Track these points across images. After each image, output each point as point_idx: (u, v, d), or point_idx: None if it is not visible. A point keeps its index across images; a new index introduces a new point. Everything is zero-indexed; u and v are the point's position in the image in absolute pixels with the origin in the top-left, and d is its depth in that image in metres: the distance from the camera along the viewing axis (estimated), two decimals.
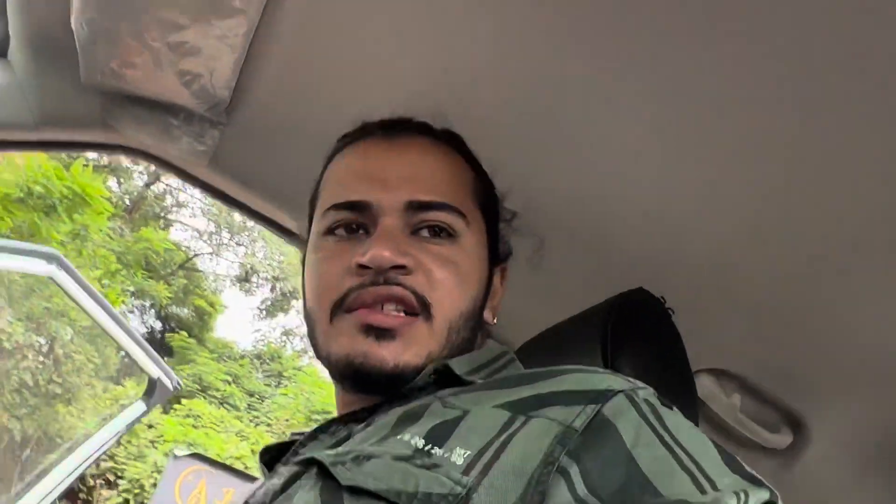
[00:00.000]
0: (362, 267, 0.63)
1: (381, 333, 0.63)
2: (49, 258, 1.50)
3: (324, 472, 0.54)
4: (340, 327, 0.65)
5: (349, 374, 0.64)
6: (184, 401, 10.22)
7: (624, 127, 0.87)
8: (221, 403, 11.14)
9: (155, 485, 8.47)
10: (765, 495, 0.46)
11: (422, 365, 0.63)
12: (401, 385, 0.63)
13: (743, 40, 0.72)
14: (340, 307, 0.65)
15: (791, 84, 0.75)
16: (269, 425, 11.59)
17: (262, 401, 11.85)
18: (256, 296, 15.38)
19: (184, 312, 13.21)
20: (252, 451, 9.94)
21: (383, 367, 0.62)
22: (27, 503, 1.77)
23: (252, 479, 8.16)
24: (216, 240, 15.00)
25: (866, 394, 1.17)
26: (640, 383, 0.58)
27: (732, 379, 1.24)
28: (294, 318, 15.25)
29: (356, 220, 0.68)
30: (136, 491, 8.88)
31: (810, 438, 1.26)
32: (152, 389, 1.95)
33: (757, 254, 0.99)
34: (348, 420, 0.64)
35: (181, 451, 7.98)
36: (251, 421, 11.37)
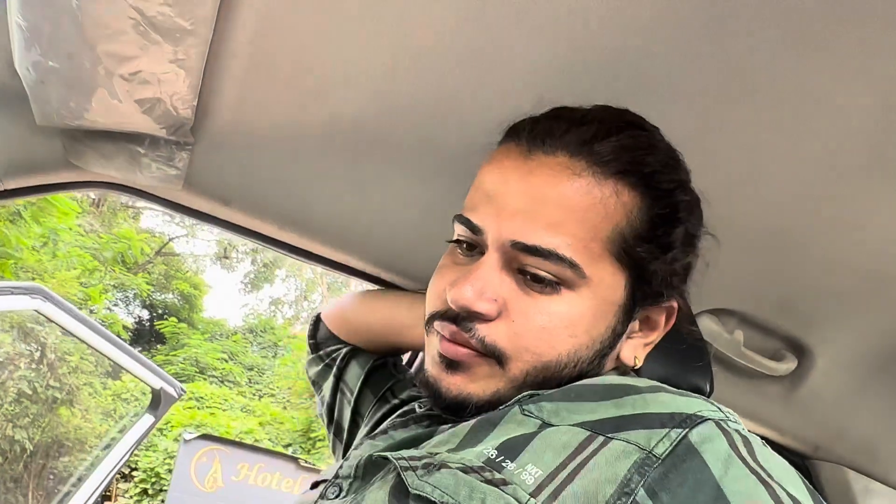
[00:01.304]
0: None
1: (451, 364, 0.64)
2: (31, 292, 1.46)
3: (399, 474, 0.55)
4: (430, 342, 0.68)
5: (424, 389, 0.67)
6: (185, 385, 10.24)
7: (598, 85, 0.85)
8: (222, 382, 11.20)
9: (170, 471, 8.56)
10: None
11: (486, 398, 0.63)
12: (465, 411, 0.64)
13: None
14: (431, 325, 0.67)
15: (759, 26, 0.74)
16: (272, 395, 11.68)
17: (262, 373, 11.92)
18: (238, 271, 15.30)
19: (169, 298, 13.13)
20: (259, 423, 10.04)
21: (446, 394, 0.64)
22: None
23: (265, 451, 8.27)
24: (189, 221, 14.77)
25: (864, 311, 1.19)
26: (732, 414, 0.55)
27: (733, 315, 1.26)
28: (280, 287, 15.24)
29: (472, 239, 0.66)
30: (153, 480, 8.99)
31: (814, 361, 1.29)
32: (157, 401, 1.94)
33: (747, 192, 0.99)
34: (441, 419, 0.68)
35: (190, 434, 8.05)
36: (254, 394, 11.46)
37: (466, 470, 0.51)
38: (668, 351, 0.83)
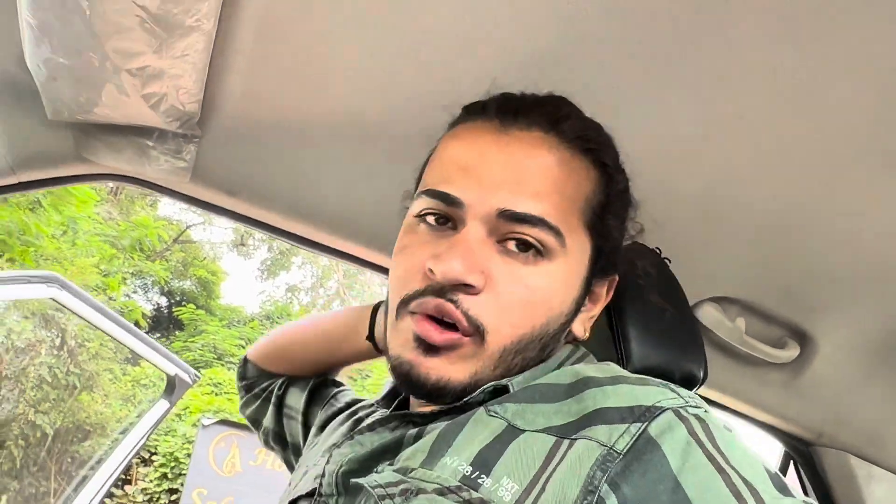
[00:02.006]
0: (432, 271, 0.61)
1: (428, 348, 0.62)
2: (48, 280, 1.50)
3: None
4: (401, 328, 0.64)
5: (398, 378, 0.65)
6: (202, 371, 10.35)
7: (616, 66, 0.86)
8: None
9: (189, 455, 8.66)
10: None
11: (466, 381, 0.62)
12: (445, 396, 0.63)
13: None
14: (406, 306, 0.64)
15: (757, 18, 0.74)
16: None
17: None
18: (255, 258, 15.40)
19: (187, 285, 13.24)
20: None
21: (426, 380, 0.62)
22: None
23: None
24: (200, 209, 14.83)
25: (866, 298, 1.20)
26: (692, 398, 0.54)
27: (735, 303, 1.27)
28: (296, 274, 15.31)
29: (446, 212, 0.64)
30: (172, 464, 9.10)
31: (817, 348, 1.30)
32: (172, 387, 1.98)
33: (748, 180, 0.99)
34: (406, 420, 0.66)
35: (208, 419, 8.13)
36: None
37: (443, 492, 0.51)
38: (660, 337, 0.84)
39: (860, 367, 1.32)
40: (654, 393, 0.54)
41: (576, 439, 0.51)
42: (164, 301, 13.37)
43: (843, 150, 0.91)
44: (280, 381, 1.08)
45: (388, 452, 0.63)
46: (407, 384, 0.63)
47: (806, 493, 1.51)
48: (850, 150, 0.91)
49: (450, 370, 0.62)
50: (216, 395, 10.04)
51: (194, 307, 12.19)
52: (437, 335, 0.61)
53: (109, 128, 0.96)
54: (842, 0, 0.71)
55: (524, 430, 0.54)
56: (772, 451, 1.56)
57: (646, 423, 0.50)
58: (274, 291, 15.79)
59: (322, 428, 0.93)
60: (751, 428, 1.47)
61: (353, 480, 0.59)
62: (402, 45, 0.86)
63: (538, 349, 0.65)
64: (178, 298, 13.14)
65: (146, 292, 13.16)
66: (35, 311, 7.84)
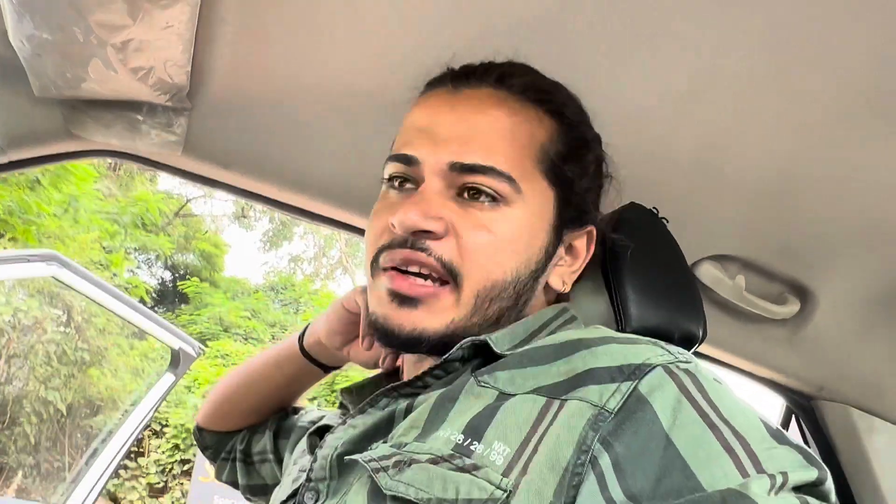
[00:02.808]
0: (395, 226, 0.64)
1: (404, 300, 0.64)
2: (48, 259, 1.50)
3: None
4: (376, 285, 0.67)
5: (376, 332, 0.67)
6: (210, 343, 10.44)
7: (595, 38, 0.85)
8: (246, 339, 11.38)
9: None
10: (812, 474, 0.44)
11: (443, 330, 0.64)
12: (421, 345, 0.65)
13: None
14: (377, 265, 0.67)
15: None
16: None
17: (285, 329, 12.09)
18: (256, 229, 15.42)
19: (190, 258, 13.28)
20: None
21: (400, 330, 0.64)
22: (84, 487, 1.85)
23: None
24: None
25: (865, 253, 1.20)
26: (682, 353, 0.55)
27: (734, 261, 1.27)
28: (298, 244, 15.33)
29: (407, 173, 0.68)
30: (184, 435, 9.22)
31: (817, 303, 1.30)
32: (177, 360, 2.00)
33: (744, 138, 0.99)
34: (396, 394, 0.66)
35: None
36: None
37: (437, 461, 0.51)
38: (658, 297, 0.84)
39: (860, 320, 1.33)
40: (644, 351, 0.54)
41: (566, 400, 0.51)
42: (168, 275, 13.43)
43: (841, 105, 0.90)
44: (240, 435, 1.06)
45: (381, 430, 0.63)
46: (384, 336, 0.66)
47: (808, 446, 1.52)
48: (847, 105, 0.90)
49: (425, 321, 0.64)
50: (224, 366, 10.13)
51: (198, 280, 12.25)
52: (416, 288, 0.64)
53: (98, 103, 0.95)
54: None
55: (514, 395, 0.55)
56: (773, 406, 1.57)
57: (636, 381, 0.50)
58: (277, 262, 15.87)
59: (293, 449, 0.91)
60: (752, 383, 1.48)
61: (347, 458, 0.60)
62: (391, 12, 0.85)
63: (512, 298, 0.66)
64: (181, 272, 13.20)
65: (150, 267, 13.22)
66: (41, 289, 7.88)
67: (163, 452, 9.28)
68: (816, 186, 1.06)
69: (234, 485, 1.08)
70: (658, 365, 0.52)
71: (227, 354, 10.46)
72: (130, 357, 9.26)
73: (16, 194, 7.22)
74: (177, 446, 9.28)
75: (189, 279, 12.35)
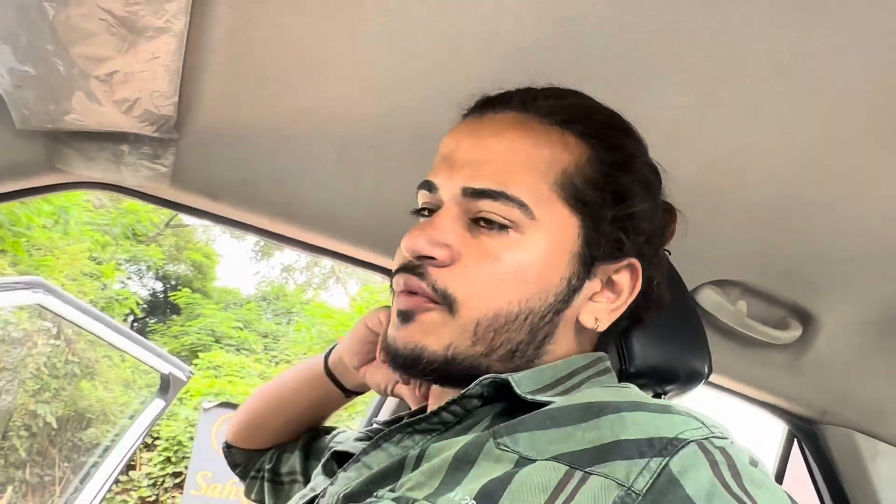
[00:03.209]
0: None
1: (405, 317, 0.63)
2: (32, 286, 1.47)
3: None
4: (393, 310, 0.67)
5: (387, 355, 0.66)
6: (201, 354, 10.37)
7: (599, 61, 0.83)
8: (238, 350, 11.31)
9: (192, 439, 8.71)
10: None
11: (441, 352, 0.62)
12: (420, 366, 0.63)
13: None
14: (392, 289, 0.67)
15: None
16: (288, 362, 11.82)
17: (277, 340, 12.03)
18: (248, 239, 15.35)
19: (181, 269, 13.21)
20: None
21: (402, 349, 0.63)
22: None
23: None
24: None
25: (867, 277, 1.19)
26: (716, 427, 0.52)
27: (735, 286, 1.25)
28: (290, 255, 15.27)
29: (430, 201, 0.67)
30: (175, 448, 9.15)
31: (819, 328, 1.28)
32: (167, 385, 1.95)
33: (746, 163, 0.98)
34: (410, 429, 0.63)
35: (209, 402, 8.15)
36: (270, 361, 11.58)
37: None
38: (662, 334, 0.82)
39: (863, 344, 1.31)
40: (677, 423, 0.51)
41: (590, 474, 0.48)
42: (159, 286, 13.35)
43: (843, 130, 0.89)
44: (269, 453, 1.03)
45: (391, 476, 0.60)
46: (389, 357, 0.65)
47: (811, 471, 1.51)
48: (849, 130, 0.89)
49: (422, 338, 0.62)
50: (216, 377, 10.06)
51: (190, 291, 12.17)
52: (410, 300, 0.63)
53: (82, 135, 0.92)
54: None
55: (534, 460, 0.52)
56: (774, 431, 1.55)
57: (667, 459, 0.47)
58: (269, 272, 15.79)
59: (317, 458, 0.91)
60: (753, 408, 1.46)
61: (360, 476, 0.59)
62: (385, 42, 0.83)
63: (526, 331, 0.63)
64: (173, 283, 13.12)
65: (141, 278, 13.13)
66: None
67: (154, 465, 9.19)
68: (818, 211, 1.04)
69: None
70: (692, 441, 0.48)
71: (218, 366, 10.39)
72: (122, 369, 9.19)
73: (5, 206, 7.17)
74: (168, 459, 9.20)
75: (180, 290, 12.27)
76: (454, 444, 0.57)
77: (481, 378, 0.60)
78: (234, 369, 10.45)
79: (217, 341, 11.19)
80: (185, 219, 13.57)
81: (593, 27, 0.78)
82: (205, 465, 7.84)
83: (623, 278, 0.67)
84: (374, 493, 0.57)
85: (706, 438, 0.49)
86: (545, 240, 0.63)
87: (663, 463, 0.46)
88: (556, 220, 0.63)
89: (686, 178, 1.01)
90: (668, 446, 0.48)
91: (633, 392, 0.59)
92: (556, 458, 0.50)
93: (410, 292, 0.63)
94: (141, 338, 1.87)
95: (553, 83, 0.71)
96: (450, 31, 0.80)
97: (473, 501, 0.49)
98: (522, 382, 0.61)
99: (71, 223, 8.25)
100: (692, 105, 0.88)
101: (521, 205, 0.61)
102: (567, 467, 0.49)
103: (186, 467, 8.65)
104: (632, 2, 0.74)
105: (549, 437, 0.53)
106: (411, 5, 0.77)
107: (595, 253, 0.65)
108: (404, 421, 0.63)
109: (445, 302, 0.61)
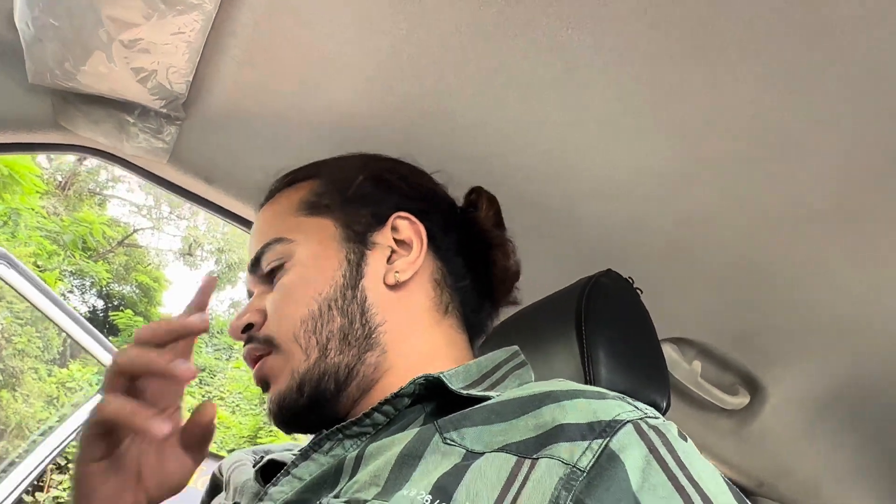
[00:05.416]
0: None
1: (260, 382, 0.70)
2: None
3: None
4: None
5: (274, 423, 0.72)
6: None
7: (588, 115, 0.89)
8: None
9: None
10: None
11: (289, 383, 0.67)
12: (287, 408, 0.68)
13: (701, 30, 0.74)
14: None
15: (745, 64, 0.77)
16: (222, 399, 11.48)
17: (214, 375, 11.72)
18: (201, 269, 15.09)
19: (127, 289, 12.88)
20: None
21: (276, 412, 0.68)
22: None
23: (210, 455, 8.07)
24: (156, 214, 14.59)
25: (817, 353, 1.23)
26: (649, 410, 0.55)
27: (693, 346, 1.29)
28: (241, 290, 15.02)
29: (251, 289, 0.77)
30: None
31: (766, 398, 1.32)
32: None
33: (718, 222, 1.02)
34: (340, 435, 0.63)
35: None
36: (203, 396, 11.24)
37: None
38: (629, 364, 0.85)
39: (805, 420, 1.36)
40: (613, 406, 0.54)
41: (538, 458, 0.51)
42: (100, 304, 12.96)
43: (811, 204, 0.94)
44: None
45: (328, 482, 0.60)
46: (277, 425, 0.70)
47: None
48: (816, 205, 0.94)
49: (278, 389, 0.68)
50: None
51: (132, 313, 11.85)
52: (255, 370, 0.70)
53: (91, 98, 0.93)
54: (826, 52, 0.74)
55: (483, 453, 0.54)
56: None
57: (607, 439, 0.50)
58: (217, 306, 15.48)
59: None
60: None
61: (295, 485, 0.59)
62: (399, 52, 0.86)
63: (338, 314, 0.69)
64: (116, 303, 12.77)
65: (83, 293, 12.75)
66: None
67: (63, 489, 8.73)
68: (778, 278, 1.09)
69: None
70: (628, 421, 0.52)
71: None
72: (47, 384, 8.82)
73: None
74: None
75: (122, 311, 11.94)
76: (396, 442, 0.58)
77: (415, 377, 0.62)
78: None
79: None
80: (140, 239, 13.32)
81: (582, 83, 0.83)
82: None
83: (404, 234, 0.75)
84: (318, 502, 0.56)
85: (641, 419, 0.52)
86: (309, 245, 0.72)
87: (603, 444, 0.49)
88: (311, 229, 0.74)
89: (661, 230, 1.06)
90: (606, 428, 0.51)
91: (569, 382, 0.62)
92: (503, 450, 0.53)
93: (252, 361, 0.70)
94: (94, 329, 1.82)
95: (544, 129, 0.75)
96: (461, 55, 0.85)
97: (430, 496, 0.50)
98: (454, 379, 0.63)
99: (21, 226, 8.03)
100: (672, 159, 0.93)
101: (278, 240, 0.73)
102: (516, 457, 0.52)
103: None
104: (623, 57, 0.79)
105: (494, 430, 0.56)
106: (429, 24, 0.82)
107: (358, 228, 0.74)
108: (332, 428, 0.64)
109: (271, 345, 0.69)
